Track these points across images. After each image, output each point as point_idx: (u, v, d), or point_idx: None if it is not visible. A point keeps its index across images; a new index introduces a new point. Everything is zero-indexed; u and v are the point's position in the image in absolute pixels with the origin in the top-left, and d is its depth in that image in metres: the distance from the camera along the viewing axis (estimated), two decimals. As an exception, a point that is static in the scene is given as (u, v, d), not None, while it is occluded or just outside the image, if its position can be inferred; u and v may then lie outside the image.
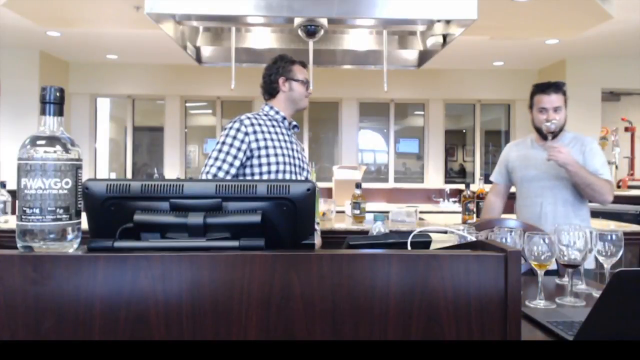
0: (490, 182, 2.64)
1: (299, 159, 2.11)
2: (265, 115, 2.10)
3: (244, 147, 1.95)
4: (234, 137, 1.95)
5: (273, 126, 2.05)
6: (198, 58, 2.94)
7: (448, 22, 2.37)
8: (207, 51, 2.94)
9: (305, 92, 2.14)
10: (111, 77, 6.71)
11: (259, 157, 1.96)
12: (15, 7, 4.28)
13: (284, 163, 1.99)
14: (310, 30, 2.32)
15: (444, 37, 2.54)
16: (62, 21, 4.74)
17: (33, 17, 4.59)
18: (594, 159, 2.25)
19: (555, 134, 2.26)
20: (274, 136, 2.01)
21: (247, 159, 1.97)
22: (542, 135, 2.36)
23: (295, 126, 2.19)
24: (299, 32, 2.35)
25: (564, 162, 2.14)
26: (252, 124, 1.98)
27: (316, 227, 2.29)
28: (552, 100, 2.31)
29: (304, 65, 2.18)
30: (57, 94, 0.80)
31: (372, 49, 2.94)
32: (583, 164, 2.22)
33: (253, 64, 3.00)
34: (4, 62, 5.90)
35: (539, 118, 2.35)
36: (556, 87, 2.33)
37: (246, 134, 1.96)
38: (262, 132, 1.99)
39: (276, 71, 2.13)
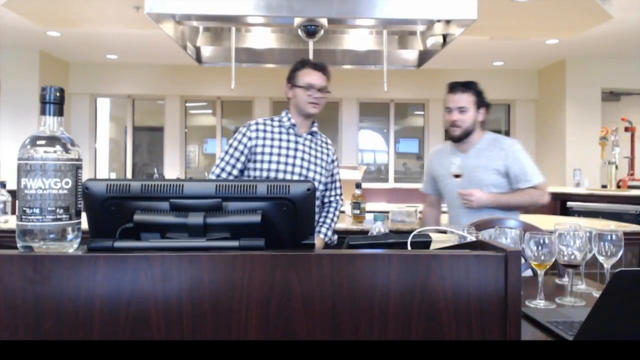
0: None
1: (301, 166, 2.08)
2: (279, 120, 2.13)
3: (245, 151, 2.05)
4: (239, 141, 2.06)
5: (280, 132, 2.10)
6: (198, 58, 2.94)
7: (448, 22, 2.37)
8: (207, 51, 2.94)
9: (308, 98, 2.07)
10: (111, 77, 6.72)
11: (255, 161, 2.05)
12: (15, 7, 4.28)
13: (277, 170, 2.04)
14: (310, 30, 2.32)
15: (444, 37, 2.54)
16: (62, 21, 4.74)
17: (33, 17, 4.59)
18: (517, 165, 2.17)
19: (458, 175, 2.20)
20: (276, 142, 2.06)
21: (248, 161, 2.06)
22: (450, 138, 2.31)
23: (312, 132, 2.17)
24: (299, 32, 2.35)
25: (479, 206, 2.13)
26: (257, 130, 2.07)
27: (330, 235, 2.23)
28: (456, 99, 2.23)
29: (315, 67, 2.12)
30: (57, 94, 0.80)
31: (372, 49, 2.94)
32: (506, 169, 2.17)
33: (253, 64, 3.00)
34: (4, 62, 5.90)
35: (445, 118, 2.30)
36: (464, 86, 2.24)
37: (250, 138, 2.05)
38: (265, 138, 2.06)
39: (287, 77, 2.14)
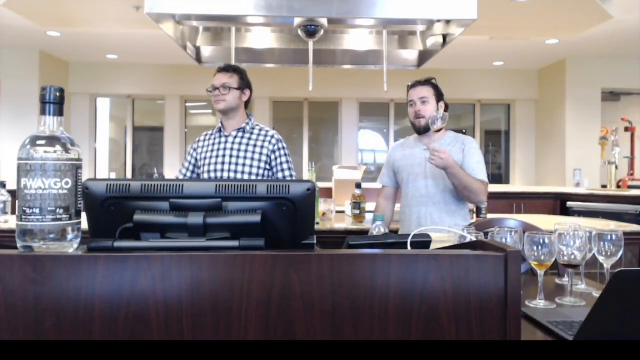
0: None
1: (230, 163, 2.35)
2: (217, 129, 2.47)
3: (193, 160, 2.50)
4: (190, 154, 2.53)
5: (213, 138, 2.46)
6: (198, 58, 2.93)
7: (448, 22, 2.36)
8: (207, 51, 2.94)
9: (213, 97, 2.41)
10: (111, 77, 6.71)
11: (199, 167, 2.46)
12: (15, 7, 4.28)
13: (208, 171, 2.39)
14: (310, 30, 2.32)
15: (444, 37, 2.54)
16: (62, 21, 4.74)
17: (33, 17, 4.59)
18: (471, 159, 2.32)
19: (426, 129, 2.32)
20: (209, 147, 2.43)
21: (197, 162, 2.48)
22: (417, 129, 2.43)
23: (241, 129, 2.41)
24: (299, 32, 2.35)
25: (443, 165, 2.19)
26: (198, 141, 2.51)
27: None
28: (417, 92, 2.37)
29: (220, 69, 2.41)
30: (57, 94, 0.80)
31: (372, 49, 2.94)
32: (462, 162, 2.31)
33: (253, 64, 3.00)
34: (4, 62, 5.90)
35: (410, 112, 2.43)
36: (422, 82, 2.40)
37: (194, 149, 2.51)
38: (203, 147, 2.46)
39: None
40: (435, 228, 2.18)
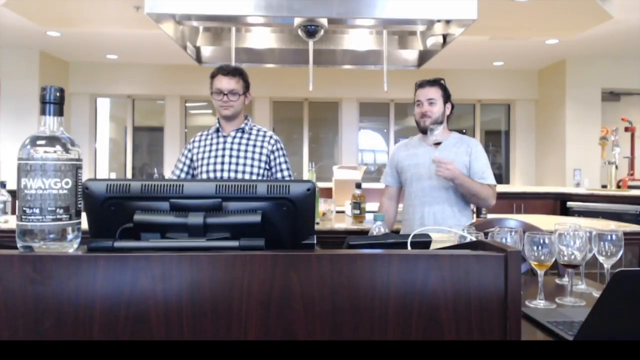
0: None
1: (230, 163, 2.35)
2: (215, 127, 2.46)
3: (187, 161, 2.48)
4: (184, 154, 2.51)
5: (211, 138, 2.44)
6: (198, 58, 2.93)
7: (448, 22, 2.36)
8: (207, 51, 2.94)
9: (219, 102, 2.37)
10: (111, 77, 6.71)
11: (195, 168, 2.46)
12: (15, 7, 4.28)
13: (207, 171, 2.38)
14: (310, 30, 2.32)
15: (444, 37, 2.54)
16: (62, 21, 4.74)
17: (33, 17, 4.59)
18: (478, 162, 2.32)
19: (437, 138, 2.27)
20: (207, 147, 2.42)
21: (194, 169, 2.47)
22: (421, 129, 2.42)
23: (240, 129, 2.41)
24: (299, 32, 2.35)
25: (451, 177, 2.21)
26: (194, 141, 2.49)
27: None
28: (425, 92, 2.37)
29: (225, 72, 2.36)
30: (57, 94, 0.80)
31: (372, 49, 2.94)
32: (469, 166, 2.32)
33: (253, 64, 3.00)
34: (4, 62, 5.90)
35: (416, 111, 2.42)
36: (431, 82, 2.39)
37: (189, 150, 2.49)
38: (199, 147, 2.45)
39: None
40: (435, 228, 2.18)
